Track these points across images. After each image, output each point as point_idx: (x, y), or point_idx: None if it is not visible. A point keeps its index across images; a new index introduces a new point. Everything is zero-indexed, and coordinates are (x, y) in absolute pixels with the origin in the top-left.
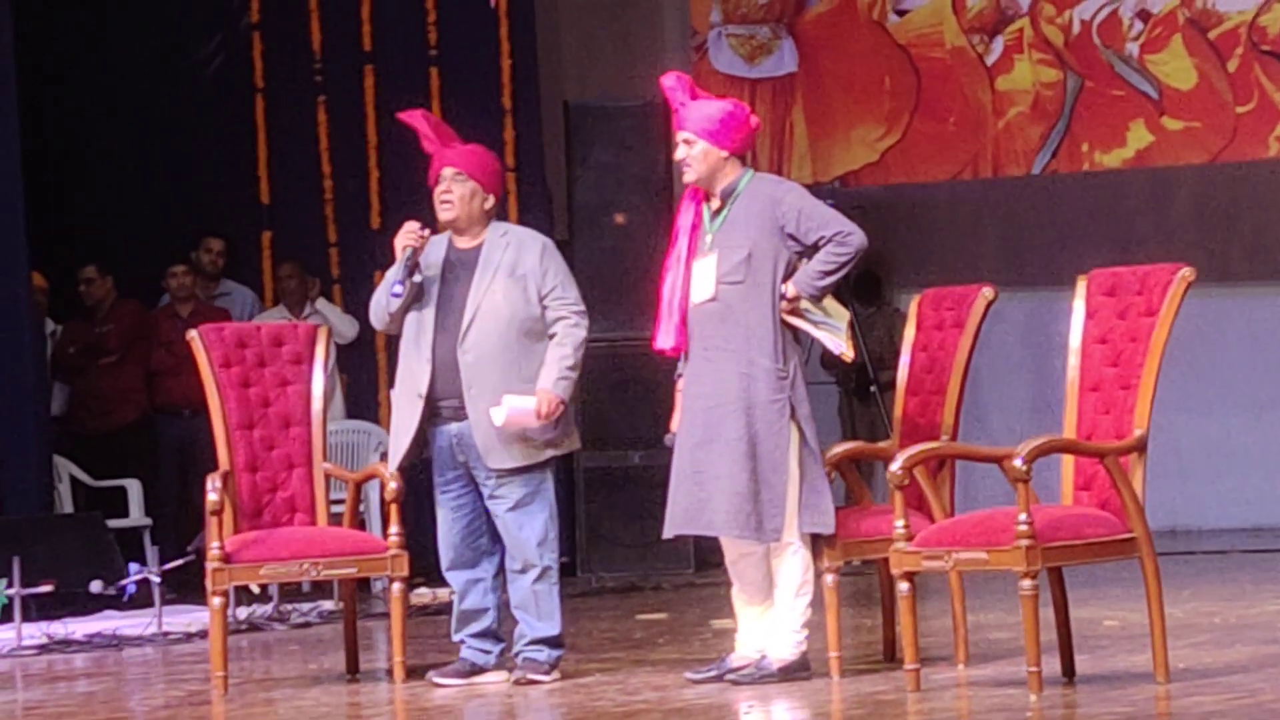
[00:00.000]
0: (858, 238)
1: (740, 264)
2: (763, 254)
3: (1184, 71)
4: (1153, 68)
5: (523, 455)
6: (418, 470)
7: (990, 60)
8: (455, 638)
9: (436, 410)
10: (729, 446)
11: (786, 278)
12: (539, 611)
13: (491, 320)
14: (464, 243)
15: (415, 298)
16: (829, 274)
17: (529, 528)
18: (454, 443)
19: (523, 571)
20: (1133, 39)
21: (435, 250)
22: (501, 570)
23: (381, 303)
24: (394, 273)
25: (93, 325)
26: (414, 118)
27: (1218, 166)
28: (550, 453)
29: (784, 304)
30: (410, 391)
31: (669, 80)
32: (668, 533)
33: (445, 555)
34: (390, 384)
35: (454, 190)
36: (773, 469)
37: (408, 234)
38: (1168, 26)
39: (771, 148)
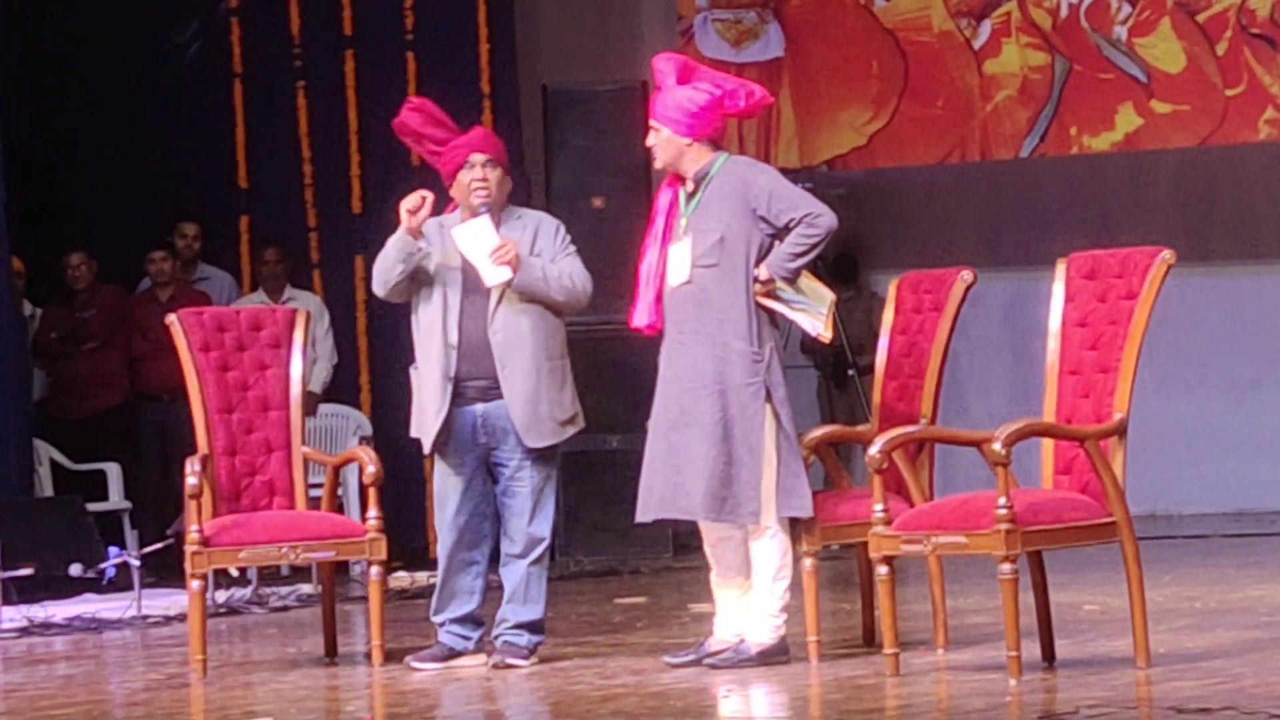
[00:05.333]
0: (827, 219)
1: (713, 247)
2: (735, 237)
3: (1173, 55)
4: (1141, 51)
5: (554, 433)
6: (398, 454)
7: (978, 44)
8: (436, 619)
9: (460, 390)
10: (704, 430)
11: (760, 260)
12: (527, 595)
13: (519, 298)
14: None
15: (428, 277)
16: (799, 255)
17: (542, 511)
18: (478, 423)
19: (522, 555)
20: (1121, 22)
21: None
22: (494, 556)
23: (388, 266)
24: (398, 237)
25: (73, 310)
26: (410, 121)
27: (1197, 149)
28: (570, 430)
29: (758, 287)
30: (438, 374)
31: (658, 62)
32: (641, 516)
33: (448, 536)
34: (372, 367)
35: (489, 177)
36: (748, 451)
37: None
38: (1156, 9)
39: (759, 131)
